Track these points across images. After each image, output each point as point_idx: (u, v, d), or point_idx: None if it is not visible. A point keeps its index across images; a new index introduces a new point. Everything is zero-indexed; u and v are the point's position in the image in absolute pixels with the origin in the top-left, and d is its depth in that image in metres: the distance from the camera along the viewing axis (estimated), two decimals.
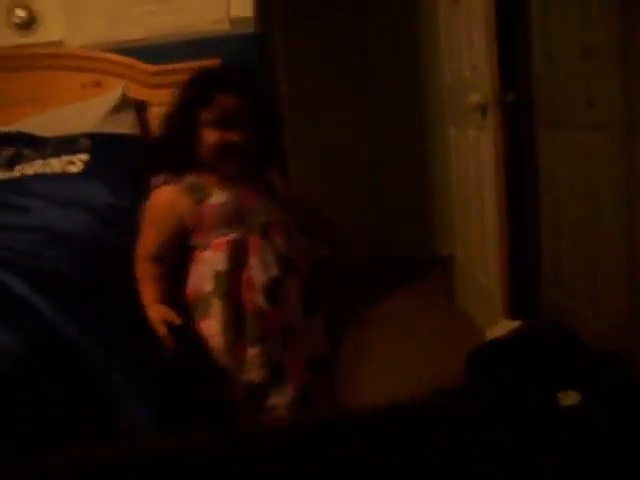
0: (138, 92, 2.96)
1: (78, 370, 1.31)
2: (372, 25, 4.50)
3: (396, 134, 4.47)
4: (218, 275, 1.62)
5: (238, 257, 1.63)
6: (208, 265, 1.63)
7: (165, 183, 1.65)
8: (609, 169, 2.25)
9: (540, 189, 2.91)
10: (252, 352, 1.65)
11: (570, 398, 2.14)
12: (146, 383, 1.50)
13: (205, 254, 1.64)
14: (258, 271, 1.64)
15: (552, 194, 2.81)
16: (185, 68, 2.96)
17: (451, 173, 3.56)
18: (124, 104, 2.88)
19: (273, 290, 1.66)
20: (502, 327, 2.76)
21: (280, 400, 1.68)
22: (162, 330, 1.55)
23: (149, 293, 1.62)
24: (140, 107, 2.96)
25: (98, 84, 2.99)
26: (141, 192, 2.33)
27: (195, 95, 1.66)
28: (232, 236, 1.63)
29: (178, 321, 1.55)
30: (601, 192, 2.34)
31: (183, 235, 1.64)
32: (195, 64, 2.94)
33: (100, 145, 2.54)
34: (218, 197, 1.64)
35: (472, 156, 3.14)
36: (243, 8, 3.00)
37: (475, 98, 2.85)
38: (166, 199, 1.64)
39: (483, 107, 2.83)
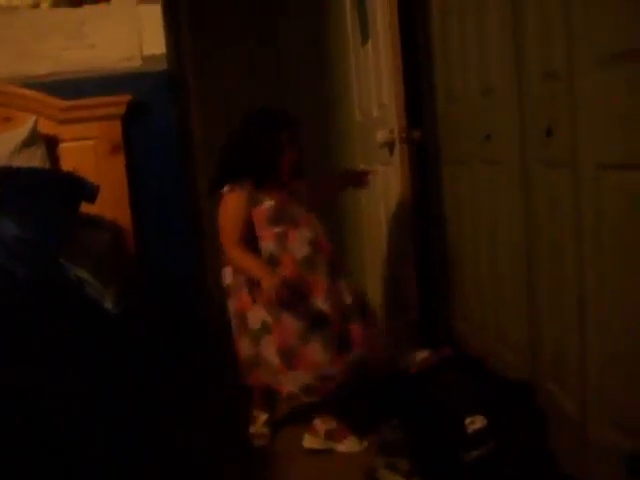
0: (48, 127, 2.96)
1: None
2: (285, 64, 4.58)
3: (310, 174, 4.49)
4: (270, 256, 2.42)
5: (282, 244, 2.42)
6: (264, 249, 2.42)
7: (232, 191, 2.42)
8: (509, 202, 2.35)
9: (446, 224, 3.01)
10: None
11: (477, 422, 2.21)
12: None
13: (262, 242, 2.42)
14: (296, 251, 2.43)
15: (457, 228, 2.90)
16: (95, 104, 2.98)
17: (362, 212, 3.64)
18: (34, 139, 2.87)
19: (307, 263, 2.43)
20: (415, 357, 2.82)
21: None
22: (280, 294, 2.28)
23: (258, 266, 2.38)
24: (50, 142, 2.95)
25: (8, 119, 2.97)
26: (47, 225, 2.34)
27: (272, 130, 2.44)
28: (276, 230, 2.43)
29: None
30: (501, 225, 2.44)
31: (249, 227, 2.42)
32: (105, 100, 2.98)
33: (9, 178, 2.52)
34: (267, 203, 2.43)
35: (381, 192, 3.22)
36: (155, 45, 3.04)
37: (383, 136, 2.94)
38: (237, 201, 2.42)
39: (390, 144, 2.92)
